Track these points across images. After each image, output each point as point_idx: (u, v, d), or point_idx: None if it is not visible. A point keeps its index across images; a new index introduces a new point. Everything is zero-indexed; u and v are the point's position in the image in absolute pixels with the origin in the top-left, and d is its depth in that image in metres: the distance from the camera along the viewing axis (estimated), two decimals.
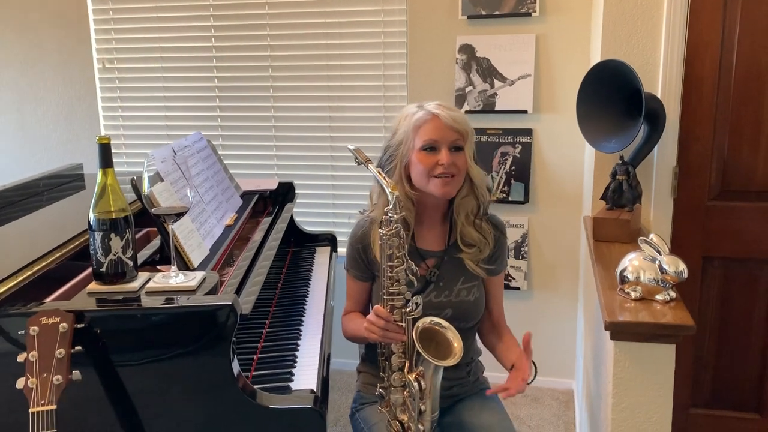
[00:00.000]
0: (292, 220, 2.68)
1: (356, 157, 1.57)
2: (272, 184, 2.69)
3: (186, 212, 1.49)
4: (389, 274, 1.52)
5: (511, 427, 1.75)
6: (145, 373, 1.35)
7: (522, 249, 2.99)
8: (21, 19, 3.32)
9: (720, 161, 2.26)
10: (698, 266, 2.32)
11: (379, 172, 1.53)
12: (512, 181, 2.94)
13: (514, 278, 3.02)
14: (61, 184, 2.51)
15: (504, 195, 2.95)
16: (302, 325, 1.94)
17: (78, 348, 1.27)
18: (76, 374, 1.24)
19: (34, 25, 3.32)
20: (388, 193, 1.49)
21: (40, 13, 3.30)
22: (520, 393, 1.58)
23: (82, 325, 1.32)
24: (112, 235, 1.40)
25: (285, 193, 2.69)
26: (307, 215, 3.17)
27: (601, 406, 1.83)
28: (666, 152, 2.25)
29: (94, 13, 3.25)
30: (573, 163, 2.88)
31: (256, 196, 2.55)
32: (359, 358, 1.96)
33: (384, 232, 1.51)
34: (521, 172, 2.93)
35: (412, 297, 1.53)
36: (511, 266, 3.01)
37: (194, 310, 1.36)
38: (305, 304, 2.12)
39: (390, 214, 1.50)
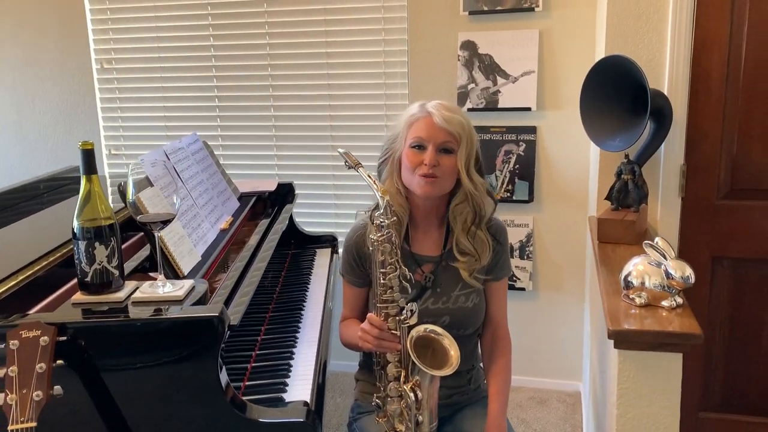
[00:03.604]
0: (292, 222, 2.64)
1: (346, 161, 1.53)
2: (271, 186, 2.65)
3: (172, 219, 1.44)
4: (382, 281, 1.48)
5: None
6: (130, 386, 1.31)
7: (527, 249, 2.93)
8: (18, 20, 3.29)
9: (729, 159, 2.19)
10: (708, 267, 2.26)
11: (368, 176, 1.48)
12: (516, 180, 2.88)
13: (519, 279, 2.96)
14: (60, 186, 2.48)
15: (508, 194, 2.89)
16: (299, 332, 1.90)
17: (60, 362, 1.23)
18: (58, 390, 1.20)
19: (31, 26, 3.29)
20: (378, 197, 1.44)
21: (37, 14, 3.27)
22: None
23: (65, 337, 1.27)
24: (97, 244, 1.36)
25: (284, 194, 2.64)
26: (308, 216, 3.13)
27: (606, 414, 1.77)
28: (673, 150, 2.18)
29: (92, 13, 3.21)
30: (578, 161, 2.82)
31: (254, 198, 2.51)
32: (357, 365, 1.91)
33: (375, 237, 1.46)
34: (525, 170, 2.87)
35: (407, 304, 1.48)
36: (516, 266, 2.95)
37: (180, 321, 1.31)
38: (303, 309, 2.08)
39: (381, 219, 1.45)
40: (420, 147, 1.58)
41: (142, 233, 2.01)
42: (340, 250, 2.65)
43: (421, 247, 1.68)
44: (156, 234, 1.42)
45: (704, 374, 2.33)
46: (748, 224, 2.21)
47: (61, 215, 2.11)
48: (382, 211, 1.43)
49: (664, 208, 2.23)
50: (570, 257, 2.93)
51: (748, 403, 2.32)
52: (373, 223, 1.60)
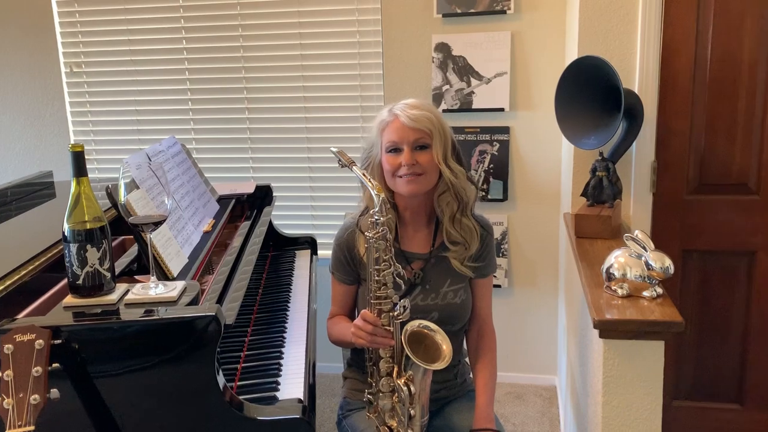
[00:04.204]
0: (270, 224, 2.64)
1: (339, 160, 1.55)
2: (249, 188, 2.64)
3: (164, 221, 1.44)
4: (376, 278, 1.50)
5: (500, 428, 1.73)
6: (126, 389, 1.31)
7: (502, 246, 2.99)
8: None
9: (697, 155, 2.28)
10: (678, 260, 2.34)
11: (363, 174, 1.50)
12: (491, 179, 2.93)
13: (495, 276, 3.01)
14: (30, 193, 2.44)
15: (483, 193, 2.94)
16: (286, 332, 1.91)
17: (56, 365, 1.21)
18: (55, 393, 1.19)
19: None
20: (373, 195, 1.47)
21: (3, 16, 3.20)
22: None
23: (60, 341, 1.26)
24: (89, 247, 1.35)
25: (263, 196, 2.64)
26: (285, 218, 3.13)
27: (588, 404, 1.82)
28: (644, 148, 2.26)
29: (60, 15, 3.16)
30: (550, 159, 2.89)
31: (233, 201, 2.50)
32: (345, 363, 1.93)
33: (370, 235, 1.48)
34: (499, 169, 2.93)
35: (399, 300, 1.51)
36: None
37: (176, 321, 1.31)
38: (288, 310, 2.08)
39: (376, 217, 1.48)
40: (395, 150, 1.62)
41: (122, 237, 2.01)
42: (320, 251, 2.71)
43: (410, 245, 1.71)
44: (148, 236, 1.42)
45: (676, 364, 2.41)
46: (715, 218, 2.30)
47: (37, 221, 2.08)
48: (377, 208, 1.46)
49: (637, 204, 2.31)
50: (543, 254, 2.99)
51: (719, 390, 2.41)
52: (358, 226, 1.63)
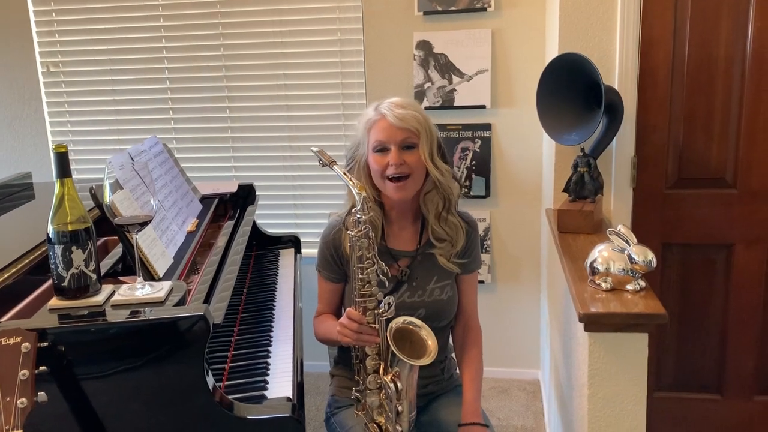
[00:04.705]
0: (253, 223, 2.63)
1: (320, 159, 1.55)
2: (232, 187, 2.63)
3: (150, 221, 1.43)
4: (360, 276, 1.51)
5: (487, 422, 1.75)
6: (114, 391, 1.30)
7: (485, 242, 3.01)
8: None
9: (676, 150, 2.31)
10: (658, 253, 2.32)
11: (344, 173, 1.51)
12: (473, 176, 2.95)
13: (479, 272, 3.03)
14: (9, 195, 2.40)
15: (466, 190, 2.96)
16: (272, 331, 1.91)
17: (42, 368, 1.21)
18: (42, 396, 1.18)
19: None
20: (355, 193, 1.47)
21: None
22: None
23: (46, 343, 1.25)
24: (74, 248, 1.34)
25: (245, 195, 2.64)
26: (268, 217, 3.12)
27: (573, 396, 1.85)
28: (624, 143, 2.29)
29: (36, 14, 3.12)
30: (531, 156, 2.91)
31: (216, 200, 2.50)
32: (332, 362, 1.93)
33: (353, 233, 1.49)
34: (481, 166, 2.95)
35: (384, 298, 1.52)
36: None
37: (164, 322, 1.31)
38: (273, 309, 2.08)
39: (358, 215, 1.48)
40: (383, 150, 1.62)
41: (105, 238, 1.99)
42: (304, 250, 2.71)
43: (397, 243, 1.72)
44: (134, 236, 1.41)
45: (657, 356, 2.44)
46: (694, 211, 2.34)
47: (17, 223, 2.05)
48: (359, 206, 1.46)
49: (617, 199, 2.34)
50: (526, 249, 3.02)
51: (699, 380, 2.45)
52: (344, 225, 1.63)
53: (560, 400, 2.25)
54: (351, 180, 1.48)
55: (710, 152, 2.29)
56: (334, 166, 1.52)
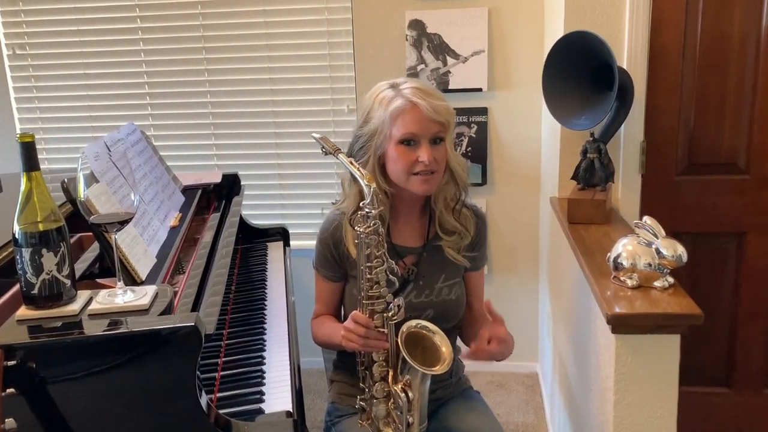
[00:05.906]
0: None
1: (323, 147, 1.41)
2: (216, 177, 2.47)
3: (131, 219, 1.28)
4: (368, 276, 1.37)
5: (499, 428, 1.63)
6: (94, 414, 1.15)
7: None
8: None
9: (686, 134, 2.20)
10: None
11: (351, 162, 1.36)
12: (469, 163, 2.82)
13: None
14: None
15: None
16: (265, 333, 1.77)
17: (10, 390, 1.05)
18: (10, 423, 1.04)
19: None
20: (363, 185, 1.33)
21: None
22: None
23: (14, 361, 1.10)
24: (44, 251, 1.18)
25: (230, 186, 2.47)
26: (253, 208, 2.95)
27: (590, 399, 1.74)
28: (633, 127, 2.17)
29: None
30: (530, 141, 2.79)
31: (200, 191, 2.33)
32: (331, 365, 1.79)
33: (361, 229, 1.34)
34: (478, 153, 2.81)
35: (393, 299, 1.38)
36: None
37: (150, 333, 1.16)
38: (265, 309, 1.94)
39: (367, 209, 1.34)
40: (411, 143, 1.46)
41: (79, 235, 1.82)
42: (293, 242, 2.55)
43: (402, 239, 1.58)
44: (113, 236, 1.25)
45: None
46: (705, 199, 2.24)
47: None
48: (368, 199, 1.32)
49: (625, 186, 2.22)
50: (523, 239, 2.91)
51: (706, 373, 2.36)
52: (350, 221, 1.49)
53: (569, 399, 2.14)
54: (359, 170, 1.33)
55: (722, 136, 2.19)
56: (339, 154, 1.37)
